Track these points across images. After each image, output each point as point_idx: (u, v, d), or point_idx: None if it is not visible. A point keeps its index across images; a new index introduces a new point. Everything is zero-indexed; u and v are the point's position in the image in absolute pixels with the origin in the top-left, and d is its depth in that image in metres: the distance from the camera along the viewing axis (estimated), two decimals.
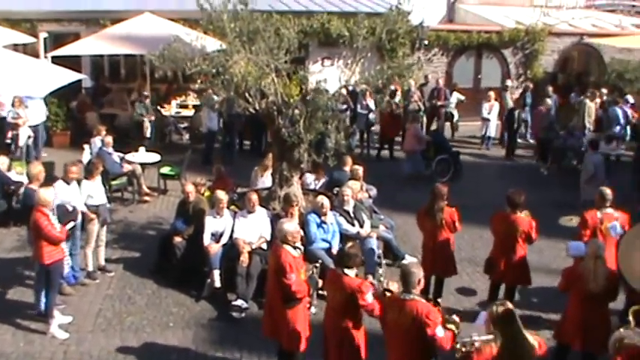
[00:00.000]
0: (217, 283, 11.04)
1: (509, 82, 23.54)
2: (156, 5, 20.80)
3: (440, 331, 6.76)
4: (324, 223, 11.17)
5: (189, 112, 21.03)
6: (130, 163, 15.74)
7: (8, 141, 16.73)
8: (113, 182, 15.20)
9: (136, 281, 11.64)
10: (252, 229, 11.21)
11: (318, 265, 10.75)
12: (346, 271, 7.66)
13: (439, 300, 10.63)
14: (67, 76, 17.24)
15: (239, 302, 10.56)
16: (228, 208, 11.65)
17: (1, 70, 16.28)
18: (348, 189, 11.95)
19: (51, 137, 19.31)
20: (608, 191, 10.24)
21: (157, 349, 9.67)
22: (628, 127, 20.04)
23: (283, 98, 11.61)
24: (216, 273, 11.04)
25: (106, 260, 12.05)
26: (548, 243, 12.61)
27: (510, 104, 21.63)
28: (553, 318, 9.81)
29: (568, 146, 18.95)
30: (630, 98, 20.96)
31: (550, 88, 21.50)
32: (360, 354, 7.82)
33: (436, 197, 10.51)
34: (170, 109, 21.14)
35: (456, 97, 22.36)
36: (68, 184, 11.14)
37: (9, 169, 14.01)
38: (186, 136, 20.98)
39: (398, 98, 20.30)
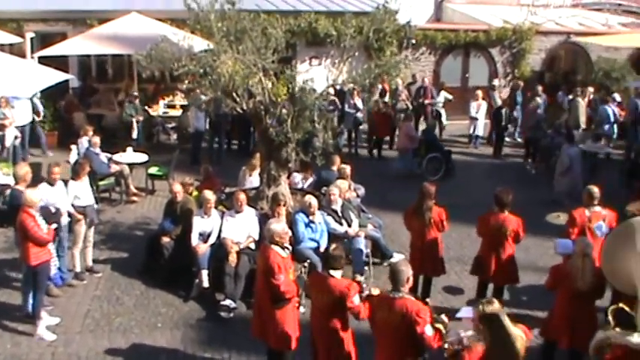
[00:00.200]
0: (205, 284, 11.02)
1: (496, 82, 23.60)
2: (143, 5, 20.73)
3: (429, 330, 6.80)
4: (312, 222, 11.17)
5: (177, 112, 20.96)
6: (117, 163, 15.68)
7: None
8: (101, 183, 15.15)
9: (124, 282, 11.60)
10: (240, 228, 11.20)
11: (306, 264, 10.75)
12: (332, 272, 7.66)
13: (427, 300, 10.63)
14: (54, 77, 17.17)
15: (227, 302, 10.54)
16: (216, 207, 11.64)
17: None
18: (335, 188, 11.94)
19: (38, 138, 19.23)
20: (595, 189, 10.27)
21: (145, 349, 9.63)
22: (615, 126, 20.11)
23: (271, 98, 11.61)
24: (205, 273, 11.02)
25: (94, 261, 12.00)
26: (535, 241, 12.63)
27: (499, 103, 21.68)
28: (541, 316, 9.82)
29: (555, 145, 18.97)
30: (617, 97, 21.05)
31: (540, 88, 21.59)
32: (350, 355, 7.83)
33: (424, 196, 10.51)
34: (158, 110, 21.08)
35: (443, 96, 22.39)
36: (52, 185, 11.06)
37: None
38: (174, 136, 20.91)
39: (387, 97, 20.35)
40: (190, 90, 16.63)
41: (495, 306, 5.94)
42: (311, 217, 11.15)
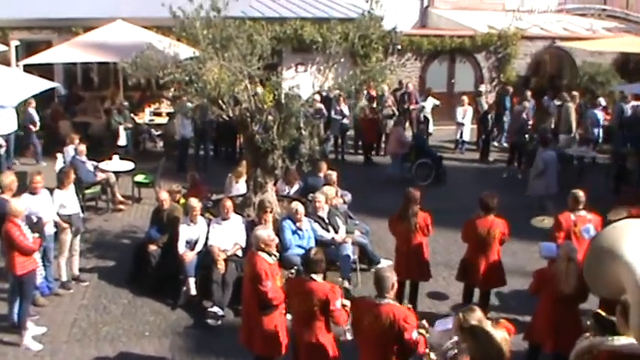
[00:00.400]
0: (193, 291, 11.00)
1: (482, 88, 23.69)
2: (128, 13, 20.70)
3: (415, 335, 6.84)
4: (300, 229, 11.17)
5: (163, 120, 20.94)
6: (103, 171, 15.62)
7: None
8: (87, 191, 15.10)
9: (111, 290, 11.55)
10: (226, 236, 11.18)
11: (293, 271, 10.69)
12: (313, 276, 7.67)
13: (409, 305, 10.63)
14: (40, 85, 17.12)
15: (215, 309, 10.52)
16: (202, 215, 11.63)
17: None
18: (320, 195, 11.95)
19: (34, 147, 19.16)
20: (581, 194, 10.31)
21: (133, 358, 9.60)
22: (601, 130, 20.23)
23: (257, 105, 11.61)
24: (192, 281, 11.01)
25: (81, 270, 11.96)
26: (522, 245, 12.69)
27: (485, 108, 21.74)
28: (528, 320, 9.85)
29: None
30: (602, 101, 21.17)
31: (529, 93, 21.72)
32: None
33: (409, 201, 10.54)
34: (144, 117, 21.04)
35: (431, 102, 22.42)
36: (34, 194, 10.89)
37: None
38: (160, 144, 20.88)
39: (375, 103, 20.40)
40: (176, 97, 16.61)
41: (476, 314, 5.91)
42: (298, 224, 11.15)
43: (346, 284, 11.26)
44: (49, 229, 10.87)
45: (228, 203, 11.41)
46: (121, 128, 18.90)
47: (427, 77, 25.29)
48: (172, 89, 13.43)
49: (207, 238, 11.23)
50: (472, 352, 5.78)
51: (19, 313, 9.79)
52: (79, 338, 10.00)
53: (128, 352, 9.73)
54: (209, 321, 10.46)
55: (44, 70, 18.90)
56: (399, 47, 22.22)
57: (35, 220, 10.41)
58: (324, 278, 11.11)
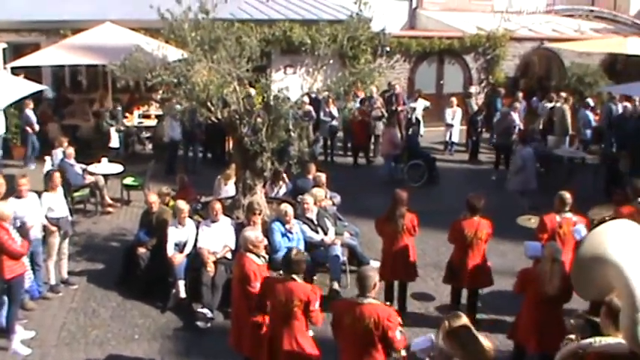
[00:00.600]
0: (182, 294, 10.97)
1: (473, 89, 23.74)
2: (117, 15, 20.62)
3: (398, 334, 6.92)
4: (290, 232, 11.15)
5: (152, 122, 20.90)
6: (92, 174, 15.58)
7: None
8: (75, 194, 15.06)
9: (100, 293, 11.51)
10: (216, 238, 11.16)
11: (282, 273, 10.72)
12: (294, 277, 7.70)
13: (388, 302, 10.65)
14: (28, 87, 17.05)
15: (204, 310, 10.49)
16: (192, 217, 11.61)
17: None
18: (309, 197, 11.96)
19: (11, 150, 19.10)
20: (567, 195, 10.32)
21: None
22: (589, 131, 20.33)
23: (245, 107, 11.60)
24: (181, 283, 10.98)
25: (69, 273, 11.90)
26: (511, 246, 12.73)
27: (475, 109, 21.78)
28: None
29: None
30: (591, 102, 21.25)
31: (520, 94, 21.81)
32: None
33: (397, 203, 10.57)
34: (132, 120, 20.98)
35: (422, 103, 22.44)
36: (19, 198, 10.78)
37: None
38: (149, 146, 20.84)
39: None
40: (165, 100, 16.58)
41: (462, 319, 5.89)
42: (287, 226, 11.14)
43: (336, 286, 11.25)
44: (36, 233, 10.78)
45: (217, 205, 11.40)
46: (113, 130, 18.86)
47: (416, 79, 25.32)
48: (161, 91, 13.39)
49: (196, 241, 11.21)
50: (459, 356, 5.77)
51: (7, 317, 9.74)
52: (68, 342, 9.96)
53: (117, 355, 9.68)
54: (199, 323, 10.43)
55: (32, 73, 18.83)
56: (388, 49, 22.34)
57: (19, 224, 10.31)
58: (313, 280, 11.25)
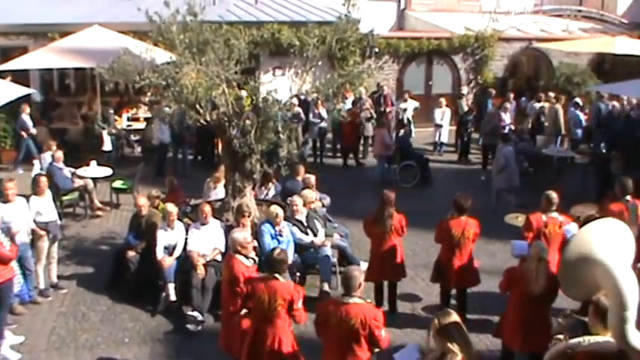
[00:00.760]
0: (172, 297, 10.95)
1: (465, 90, 23.79)
2: (105, 18, 20.59)
3: (383, 332, 7.04)
4: (280, 235, 11.14)
5: (141, 125, 20.86)
6: (81, 177, 15.52)
7: None
8: (64, 198, 15.01)
9: (90, 297, 11.47)
10: (205, 241, 11.14)
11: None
12: (277, 276, 7.73)
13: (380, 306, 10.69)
14: (16, 91, 16.98)
15: (194, 313, 10.47)
16: (181, 220, 11.59)
17: None
18: (298, 199, 11.96)
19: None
20: (554, 195, 10.35)
21: None
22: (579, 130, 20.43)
23: (234, 109, 11.59)
24: (171, 286, 10.96)
25: (59, 277, 11.87)
26: (500, 246, 12.75)
27: (465, 109, 21.82)
28: None
29: (519, 150, 19.16)
30: (579, 101, 21.33)
31: (511, 95, 21.87)
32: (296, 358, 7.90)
33: (385, 204, 10.61)
34: (121, 123, 20.93)
35: (412, 104, 22.47)
36: (5, 202, 10.67)
37: None
38: (138, 149, 20.79)
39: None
40: (153, 102, 16.57)
41: (453, 316, 5.90)
42: (277, 228, 11.13)
43: (326, 287, 11.25)
44: (23, 237, 10.72)
45: (207, 208, 11.38)
46: (105, 133, 18.83)
47: (405, 79, 25.36)
48: (149, 94, 13.37)
49: (185, 243, 11.18)
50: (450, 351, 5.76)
51: None
52: (57, 346, 9.92)
53: (107, 359, 9.65)
54: (189, 326, 10.41)
55: (20, 77, 18.77)
56: (377, 50, 22.38)
57: (5, 229, 10.25)
58: (304, 282, 11.26)
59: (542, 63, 27.34)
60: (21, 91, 17.10)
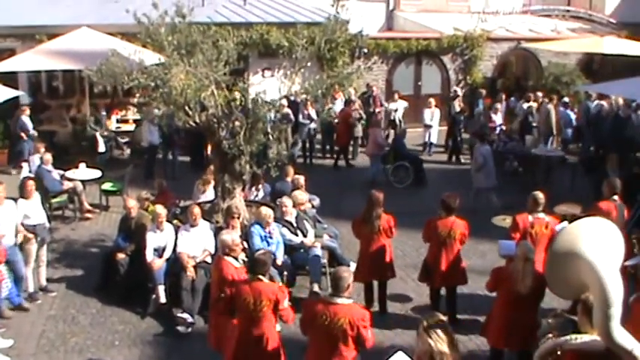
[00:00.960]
0: (162, 299, 10.92)
1: (459, 91, 23.83)
2: (93, 20, 20.52)
3: (369, 332, 7.12)
4: (270, 236, 11.13)
5: (130, 127, 20.82)
6: (70, 180, 15.47)
7: None
8: (53, 200, 14.95)
9: (80, 300, 11.43)
10: (195, 242, 11.12)
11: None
12: (261, 277, 7.74)
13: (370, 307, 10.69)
14: (4, 94, 16.91)
15: (185, 315, 10.45)
16: (170, 222, 11.56)
17: None
18: (287, 200, 11.97)
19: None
20: (540, 195, 10.35)
21: None
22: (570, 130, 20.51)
23: (223, 110, 11.57)
24: (161, 288, 10.93)
25: (48, 280, 11.82)
26: (490, 246, 12.73)
27: (457, 110, 21.84)
28: None
29: (508, 150, 19.23)
30: (566, 100, 21.40)
31: (503, 95, 21.91)
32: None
33: (373, 204, 10.63)
34: (110, 124, 20.86)
35: (402, 104, 22.48)
36: None
37: None
38: (128, 151, 20.73)
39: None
40: (142, 104, 16.54)
41: (439, 318, 5.86)
42: (267, 229, 11.12)
43: (316, 288, 11.24)
44: (11, 241, 10.67)
45: (196, 210, 11.36)
46: (98, 135, 18.78)
47: (394, 80, 25.38)
48: (138, 95, 13.35)
49: (175, 245, 11.16)
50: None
51: None
52: (47, 350, 9.88)
53: None
54: (179, 328, 10.39)
55: (8, 79, 18.64)
56: (366, 51, 22.39)
57: None
58: (294, 283, 11.26)
59: (530, 63, 27.43)
60: (9, 93, 17.03)
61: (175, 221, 11.93)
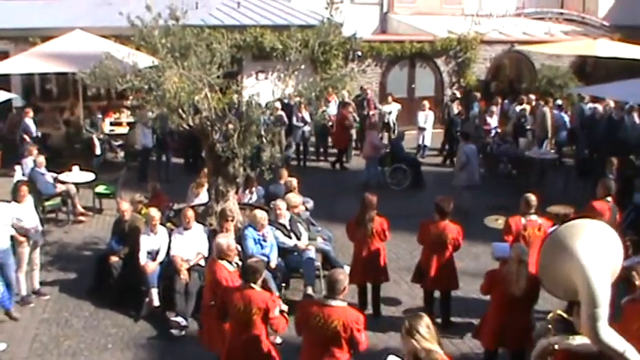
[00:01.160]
0: (156, 302, 10.90)
1: (457, 93, 23.85)
2: (87, 22, 20.51)
3: (363, 335, 7.11)
4: (265, 241, 11.12)
5: (124, 130, 20.79)
6: (63, 183, 15.44)
7: None
8: (47, 203, 14.92)
9: (73, 303, 11.40)
10: (189, 245, 11.10)
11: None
12: (253, 285, 7.72)
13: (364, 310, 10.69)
14: None
15: (178, 318, 10.43)
16: (164, 225, 11.54)
17: None
18: (281, 203, 11.96)
19: None
20: (533, 197, 10.36)
21: None
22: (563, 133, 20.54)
23: (217, 113, 11.56)
24: (155, 292, 10.91)
25: (41, 283, 11.79)
26: (484, 249, 12.74)
27: (455, 112, 21.86)
28: None
29: (502, 152, 19.25)
30: (559, 102, 21.46)
31: (499, 98, 21.95)
32: None
33: (366, 207, 10.65)
34: (104, 127, 20.83)
35: (396, 107, 22.49)
36: None
37: None
38: (121, 154, 20.70)
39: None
40: (136, 107, 16.49)
41: (424, 320, 5.79)
42: (260, 232, 11.11)
43: (310, 291, 11.24)
44: (3, 244, 10.60)
45: (190, 213, 11.35)
46: (95, 138, 18.79)
47: (387, 83, 25.42)
48: (131, 97, 13.31)
49: (169, 248, 11.14)
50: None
51: None
52: (40, 353, 9.85)
53: None
54: (173, 331, 10.37)
55: (1, 82, 18.65)
56: (359, 53, 22.42)
57: None
58: (288, 286, 11.24)
59: (524, 65, 27.50)
60: (2, 96, 17.02)
61: (169, 224, 11.91)
